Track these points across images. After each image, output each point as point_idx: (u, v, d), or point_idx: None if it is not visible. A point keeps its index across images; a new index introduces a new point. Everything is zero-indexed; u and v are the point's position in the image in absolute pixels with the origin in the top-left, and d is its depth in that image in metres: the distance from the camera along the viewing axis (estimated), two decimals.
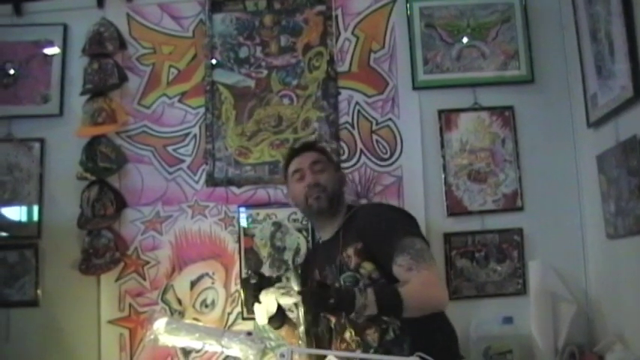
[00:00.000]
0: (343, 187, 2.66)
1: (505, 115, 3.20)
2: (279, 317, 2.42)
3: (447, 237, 3.13)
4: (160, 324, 2.18)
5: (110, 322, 3.13)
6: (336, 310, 2.10)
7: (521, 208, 3.15)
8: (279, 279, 2.36)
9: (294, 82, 3.29)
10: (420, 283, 2.14)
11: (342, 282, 2.35)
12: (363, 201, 3.17)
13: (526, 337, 2.99)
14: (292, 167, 2.61)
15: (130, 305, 3.14)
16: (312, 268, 2.60)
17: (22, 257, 3.17)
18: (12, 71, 3.34)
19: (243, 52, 3.32)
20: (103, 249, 3.12)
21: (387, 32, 3.30)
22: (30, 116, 3.29)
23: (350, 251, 2.38)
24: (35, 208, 3.22)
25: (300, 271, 2.73)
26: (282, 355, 1.89)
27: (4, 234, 3.23)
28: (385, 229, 2.34)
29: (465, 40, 3.27)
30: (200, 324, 2.39)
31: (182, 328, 2.20)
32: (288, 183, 2.67)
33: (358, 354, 2.26)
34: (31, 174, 3.24)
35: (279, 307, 2.32)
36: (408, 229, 2.35)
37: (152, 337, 2.19)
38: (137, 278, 3.16)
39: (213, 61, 3.31)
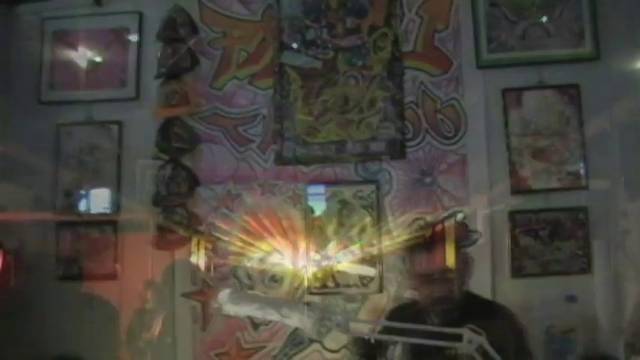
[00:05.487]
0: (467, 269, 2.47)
1: (570, 93, 3.17)
2: None
3: (512, 215, 3.14)
4: (223, 294, 2.29)
5: (184, 295, 3.28)
6: None
7: (585, 187, 3.13)
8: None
9: (360, 63, 3.34)
10: None
11: None
12: (425, 178, 3.22)
13: (589, 317, 3.00)
14: (418, 267, 2.43)
15: (203, 279, 3.28)
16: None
17: (102, 233, 3.36)
18: (95, 58, 3.53)
19: (310, 34, 3.39)
20: (177, 226, 3.26)
21: (451, 12, 3.32)
22: (109, 100, 3.46)
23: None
24: (114, 187, 3.39)
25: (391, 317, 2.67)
26: (339, 325, 1.98)
27: (87, 211, 3.43)
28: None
29: (530, 18, 3.25)
30: (262, 295, 2.48)
31: (243, 297, 2.29)
32: (407, 269, 2.56)
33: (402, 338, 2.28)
34: (110, 155, 3.42)
35: None
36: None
37: (216, 305, 2.29)
38: (209, 254, 3.29)
39: (295, 46, 3.39)
